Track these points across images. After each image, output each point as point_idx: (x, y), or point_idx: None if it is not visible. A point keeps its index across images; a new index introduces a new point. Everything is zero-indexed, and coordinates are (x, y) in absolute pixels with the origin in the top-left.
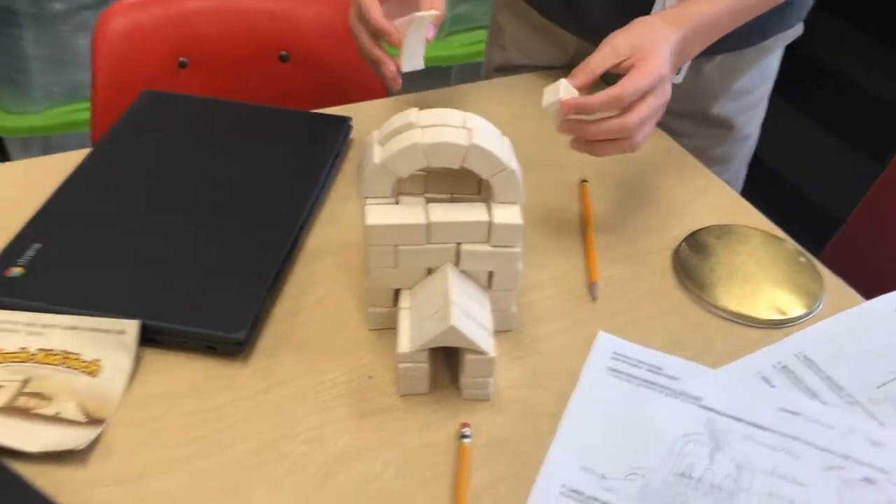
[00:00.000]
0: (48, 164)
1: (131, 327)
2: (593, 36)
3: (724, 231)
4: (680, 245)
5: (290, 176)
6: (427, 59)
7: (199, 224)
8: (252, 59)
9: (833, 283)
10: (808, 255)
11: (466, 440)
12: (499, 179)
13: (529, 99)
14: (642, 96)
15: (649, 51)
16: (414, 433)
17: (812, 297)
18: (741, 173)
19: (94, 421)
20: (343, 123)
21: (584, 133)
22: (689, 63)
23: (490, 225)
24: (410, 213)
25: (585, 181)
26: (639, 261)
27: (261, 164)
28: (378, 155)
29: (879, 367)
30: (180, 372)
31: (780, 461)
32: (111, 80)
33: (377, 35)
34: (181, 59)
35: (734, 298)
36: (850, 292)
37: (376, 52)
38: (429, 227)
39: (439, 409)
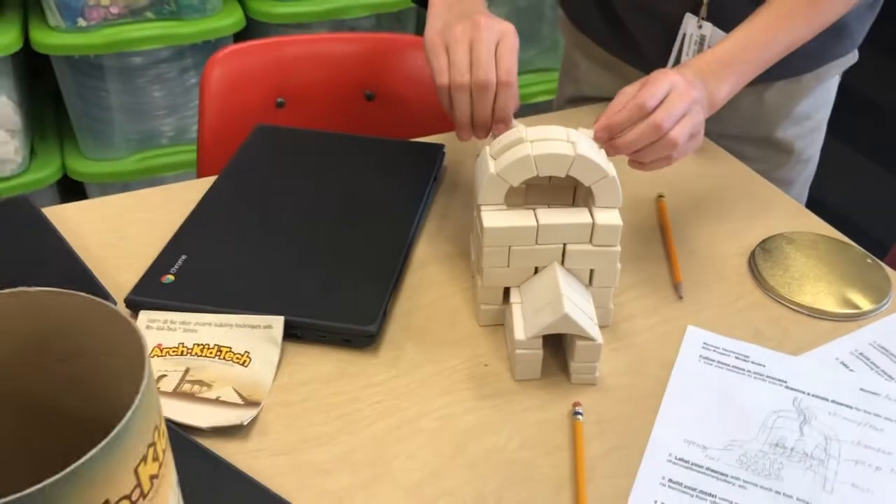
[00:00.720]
0: (177, 191)
1: (277, 322)
2: (653, 68)
3: (793, 237)
4: (754, 250)
5: (395, 196)
6: None
7: (321, 237)
8: (341, 99)
9: None
10: (874, 257)
11: (580, 417)
12: (600, 185)
13: None
14: (664, 99)
15: (655, 74)
16: (531, 412)
17: (881, 294)
18: (803, 195)
19: (251, 403)
20: (439, 150)
21: (623, 146)
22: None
23: (593, 226)
24: (522, 216)
25: (662, 196)
26: (717, 264)
27: (367, 186)
28: (492, 166)
29: None
30: (320, 362)
31: (864, 434)
32: (217, 119)
33: (497, 122)
34: (278, 99)
35: (809, 295)
36: None
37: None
38: (539, 229)
39: (551, 391)
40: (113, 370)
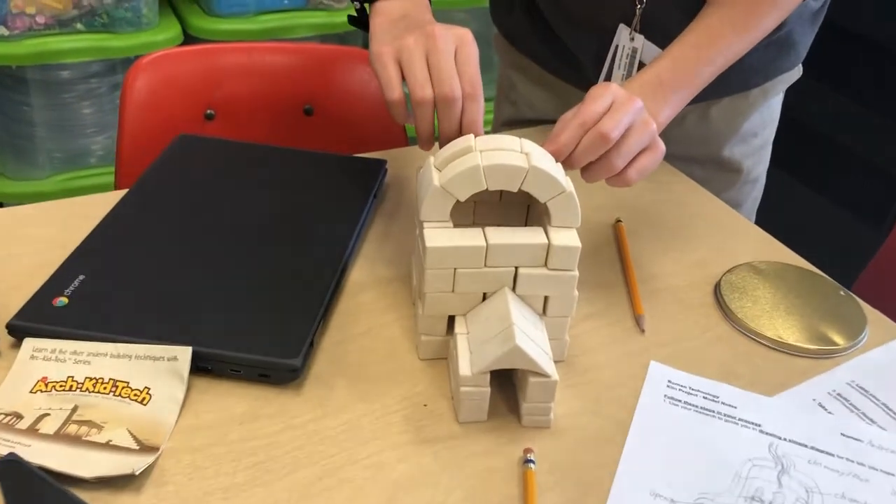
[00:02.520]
0: (82, 204)
1: (184, 353)
2: (591, 84)
3: (760, 267)
4: (720, 280)
5: (330, 214)
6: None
7: (244, 257)
8: (277, 113)
9: (874, 316)
10: (847, 290)
11: (532, 465)
12: (557, 202)
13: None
14: (607, 110)
15: (593, 90)
16: (476, 459)
17: (856, 328)
18: (752, 217)
19: (147, 448)
20: (380, 166)
21: (573, 162)
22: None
23: (549, 247)
24: (469, 235)
25: (620, 220)
26: (680, 295)
27: (299, 203)
28: (437, 178)
29: None
30: (233, 400)
31: (849, 485)
32: (138, 132)
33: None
34: (208, 111)
35: (781, 329)
36: (893, 324)
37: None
38: (488, 250)
39: (500, 435)
40: None
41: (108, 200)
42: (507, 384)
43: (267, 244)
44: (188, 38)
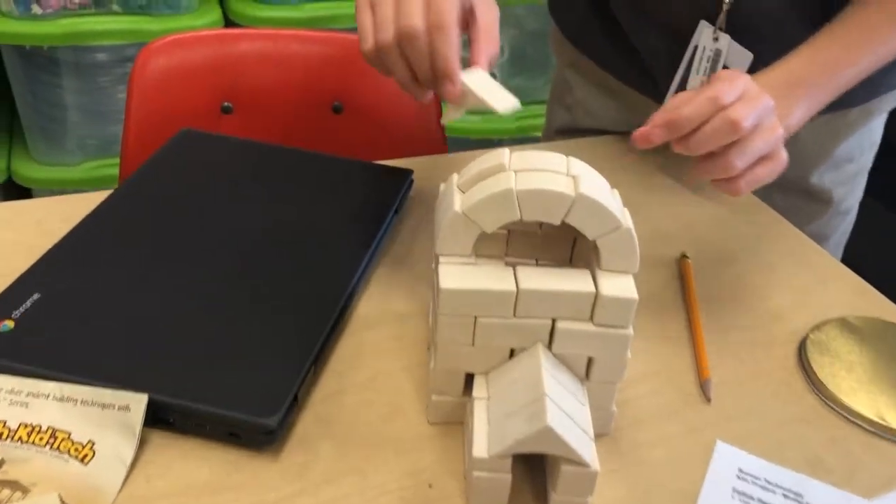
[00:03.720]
0: (69, 204)
1: (137, 403)
2: (659, 91)
3: (856, 324)
4: (806, 338)
5: (341, 232)
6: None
7: (230, 282)
8: (302, 108)
9: None
10: None
11: None
12: (610, 241)
13: (604, 164)
14: (739, 98)
15: (721, 72)
16: None
17: None
18: (837, 254)
19: None
20: (404, 176)
21: (695, 145)
22: None
23: (597, 297)
24: (496, 276)
25: (686, 256)
26: (757, 354)
27: (309, 217)
28: (459, 203)
29: None
30: (194, 464)
31: None
32: (146, 122)
33: (441, 77)
34: (225, 103)
35: (884, 408)
36: None
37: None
38: (519, 296)
39: None
40: None
41: (95, 201)
42: (535, 465)
43: (260, 266)
44: (229, 24)
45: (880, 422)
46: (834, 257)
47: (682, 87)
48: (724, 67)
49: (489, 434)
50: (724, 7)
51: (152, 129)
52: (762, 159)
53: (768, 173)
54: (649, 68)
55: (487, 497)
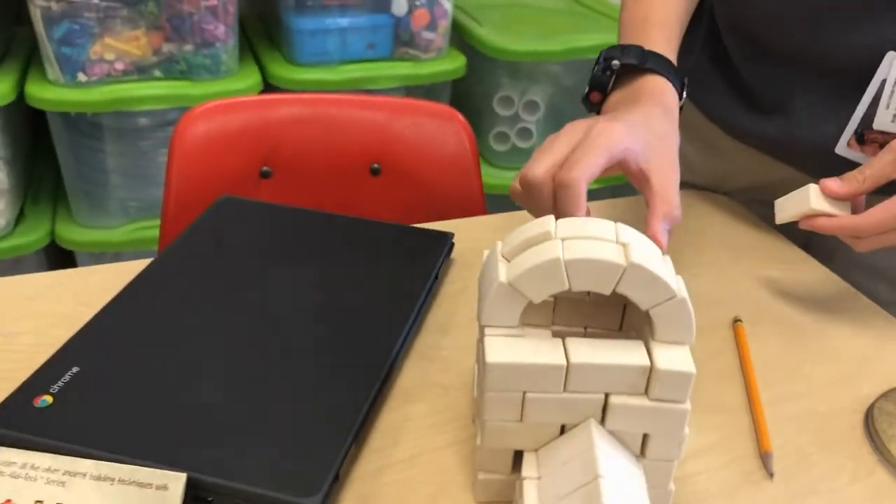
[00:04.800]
0: (108, 273)
1: (175, 481)
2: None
3: None
4: (873, 406)
5: (381, 299)
6: None
7: (269, 354)
8: (341, 171)
9: None
10: None
11: None
12: (664, 311)
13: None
14: None
15: None
16: None
17: None
18: None
19: None
20: (445, 239)
21: (860, 244)
22: None
23: (652, 371)
24: (544, 348)
25: (739, 320)
26: (821, 424)
27: (348, 283)
28: (504, 273)
29: None
30: None
31: None
32: (186, 186)
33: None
34: (264, 168)
35: None
36: None
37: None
38: (569, 370)
39: None
40: None
41: (133, 270)
42: None
43: (299, 336)
44: (268, 87)
45: None
46: None
47: (867, 123)
48: None
49: None
50: None
51: (192, 192)
52: None
53: None
54: (801, 124)
55: None
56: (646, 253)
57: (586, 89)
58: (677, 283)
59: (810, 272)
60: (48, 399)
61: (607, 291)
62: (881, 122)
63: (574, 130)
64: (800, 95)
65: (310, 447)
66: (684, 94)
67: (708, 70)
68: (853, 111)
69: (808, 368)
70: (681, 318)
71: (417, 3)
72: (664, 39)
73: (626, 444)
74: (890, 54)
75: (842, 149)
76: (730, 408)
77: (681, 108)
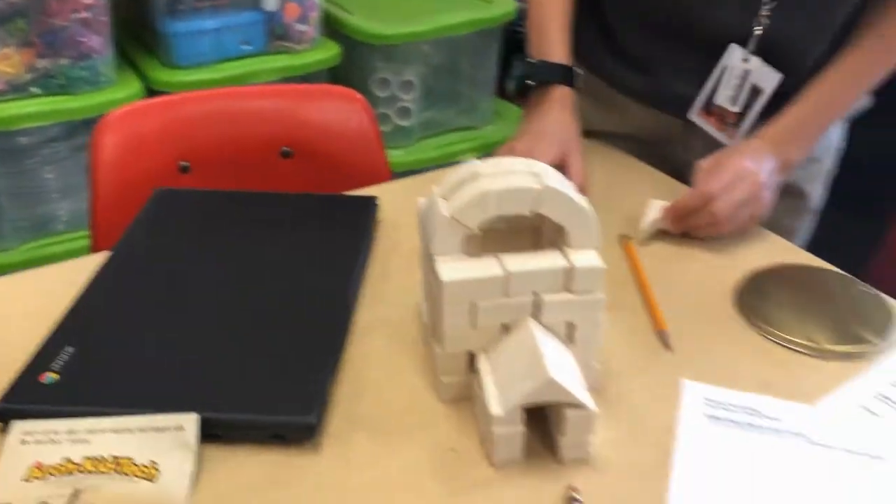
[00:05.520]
0: (56, 272)
1: (189, 421)
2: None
3: (782, 271)
4: (742, 287)
5: (327, 257)
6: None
7: (242, 311)
8: (254, 158)
9: None
10: (869, 286)
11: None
12: (574, 223)
13: None
14: (727, 187)
15: (729, 154)
16: (518, 503)
17: (885, 324)
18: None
19: None
20: (371, 202)
21: (684, 227)
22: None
23: (571, 270)
24: (486, 266)
25: (628, 237)
26: (701, 307)
27: (298, 247)
28: (445, 208)
29: None
30: (249, 467)
31: None
32: (111, 191)
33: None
34: (182, 163)
35: (812, 333)
36: None
37: None
38: (507, 279)
39: (538, 475)
40: None
41: (86, 266)
42: (539, 420)
43: (265, 295)
44: (150, 94)
45: (810, 343)
46: None
47: (710, 100)
48: (754, 86)
49: (500, 396)
50: (756, 32)
51: (118, 195)
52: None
53: (750, 226)
54: (666, 84)
55: (506, 449)
56: (555, 179)
57: (513, 86)
58: (582, 200)
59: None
60: (53, 376)
61: (528, 211)
62: (722, 99)
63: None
64: (665, 59)
65: (299, 378)
66: (577, 78)
67: (595, 37)
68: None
69: (684, 266)
70: (588, 227)
71: None
72: (560, 42)
73: (557, 335)
74: (732, 46)
75: (693, 115)
76: (628, 306)
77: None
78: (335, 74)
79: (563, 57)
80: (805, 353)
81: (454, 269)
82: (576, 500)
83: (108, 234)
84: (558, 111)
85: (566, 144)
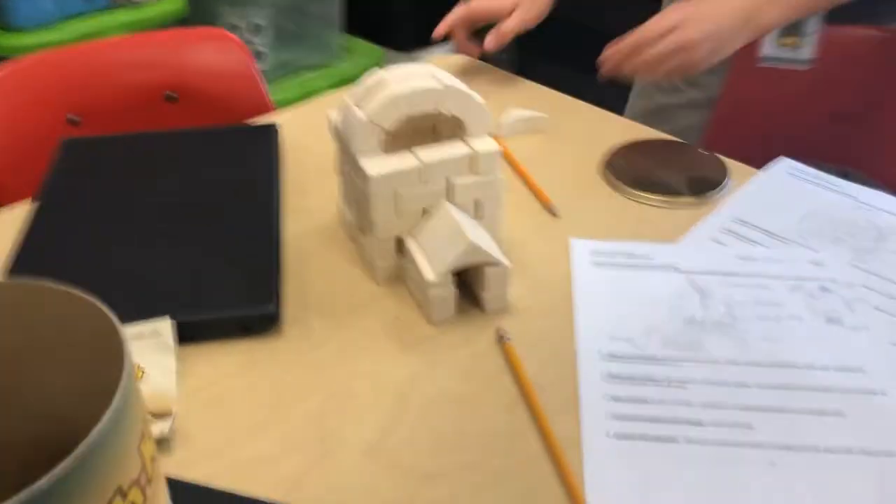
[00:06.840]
0: None
1: (165, 325)
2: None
3: (635, 146)
4: (605, 161)
5: (248, 177)
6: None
7: (182, 233)
8: (140, 106)
9: (731, 164)
10: (705, 150)
11: (509, 340)
12: (471, 114)
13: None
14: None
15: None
16: (459, 348)
17: (722, 175)
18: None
19: (160, 416)
20: (271, 129)
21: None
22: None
23: (474, 156)
24: (403, 159)
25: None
26: (576, 181)
27: (216, 175)
28: (361, 113)
29: (793, 212)
30: (225, 357)
31: (756, 294)
32: (4, 154)
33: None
34: (70, 116)
35: (665, 189)
36: (747, 168)
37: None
38: (423, 169)
39: (471, 325)
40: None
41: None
42: (459, 285)
43: (198, 217)
44: None
45: (666, 199)
46: None
47: None
48: None
49: (431, 266)
50: None
51: (9, 158)
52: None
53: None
54: None
55: (442, 308)
56: (454, 80)
57: None
58: (477, 96)
59: (543, 97)
60: None
61: (433, 109)
62: None
63: None
64: None
65: (251, 277)
66: None
67: None
68: None
69: (549, 150)
70: (483, 117)
71: None
72: None
73: (468, 213)
74: None
75: None
76: (515, 190)
77: None
78: (184, 26)
79: None
80: (662, 207)
81: (377, 164)
82: (505, 337)
83: (7, 193)
84: None
85: None
